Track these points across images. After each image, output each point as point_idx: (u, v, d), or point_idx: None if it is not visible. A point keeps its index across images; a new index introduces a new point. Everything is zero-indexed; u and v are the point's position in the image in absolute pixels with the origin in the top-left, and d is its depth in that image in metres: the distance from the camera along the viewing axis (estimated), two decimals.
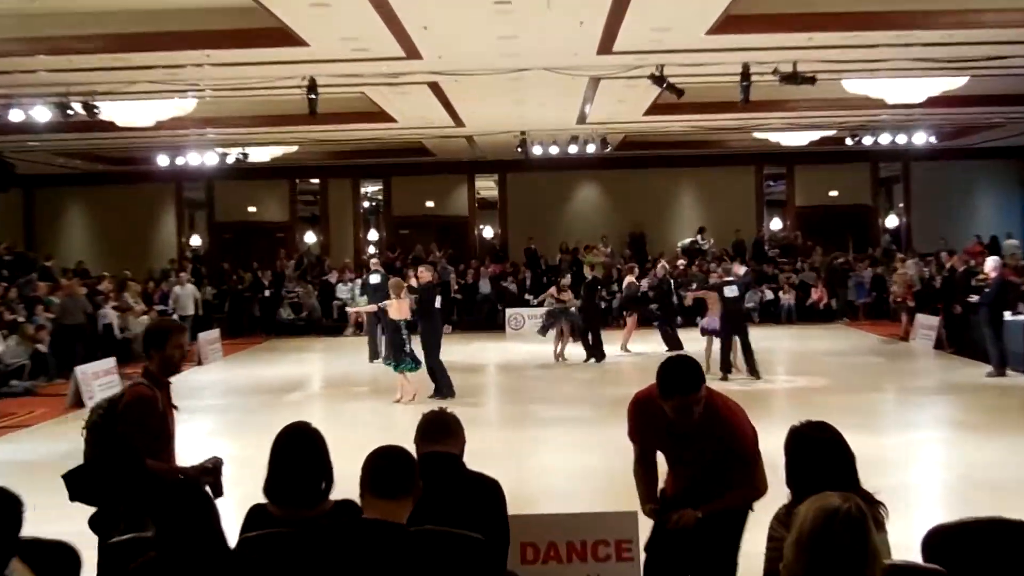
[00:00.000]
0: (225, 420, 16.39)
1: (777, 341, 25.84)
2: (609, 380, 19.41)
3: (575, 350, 22.26)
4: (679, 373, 5.19)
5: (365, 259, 33.57)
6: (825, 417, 4.75)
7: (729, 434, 5.32)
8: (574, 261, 31.91)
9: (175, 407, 6.30)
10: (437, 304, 17.58)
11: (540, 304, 24.75)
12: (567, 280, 23.64)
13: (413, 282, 17.91)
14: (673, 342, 22.36)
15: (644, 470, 5.62)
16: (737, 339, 18.90)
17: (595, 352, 21.93)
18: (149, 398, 6.00)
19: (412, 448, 4.75)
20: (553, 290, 23.28)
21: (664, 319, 23.51)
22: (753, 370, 18.67)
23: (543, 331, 22.92)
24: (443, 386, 17.09)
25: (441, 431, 5.05)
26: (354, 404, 17.38)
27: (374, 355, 22.54)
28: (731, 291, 18.82)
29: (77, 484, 5.52)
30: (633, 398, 5.59)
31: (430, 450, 4.95)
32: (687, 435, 5.31)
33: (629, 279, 24.38)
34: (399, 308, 16.96)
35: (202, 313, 29.13)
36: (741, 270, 20.05)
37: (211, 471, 5.96)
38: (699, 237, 34.22)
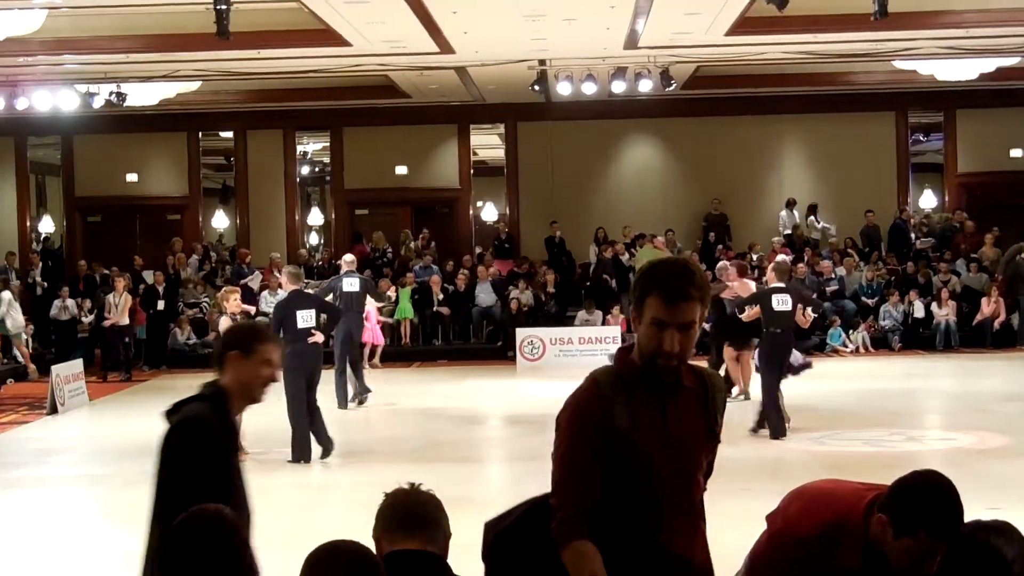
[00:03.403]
0: (90, 500, 16.31)
1: (928, 378, 25.75)
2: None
3: None
4: (953, 501, 5.02)
5: (302, 255, 33.64)
6: (1005, 496, 4.73)
7: None
8: (613, 260, 31.94)
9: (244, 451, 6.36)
10: (302, 322, 17.72)
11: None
12: None
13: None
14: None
15: None
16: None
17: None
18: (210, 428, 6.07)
19: (371, 544, 4.71)
20: None
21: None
22: (762, 425, 18.51)
23: None
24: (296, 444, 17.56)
25: (415, 520, 5.04)
26: (283, 475, 17.37)
27: (343, 399, 22.68)
28: (783, 302, 18.54)
29: None
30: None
31: (399, 547, 4.93)
32: None
33: (734, 283, 23.79)
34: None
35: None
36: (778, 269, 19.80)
37: None
38: (811, 220, 34.14)
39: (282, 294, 19.64)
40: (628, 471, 4.98)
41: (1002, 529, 4.55)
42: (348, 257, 24.92)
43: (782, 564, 5.20)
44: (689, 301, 4.97)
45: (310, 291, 22.22)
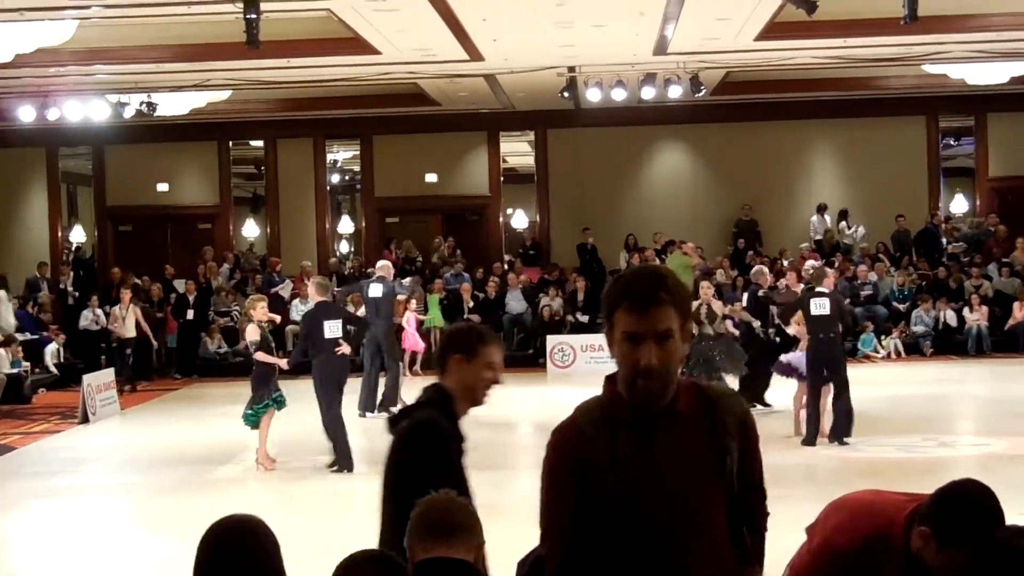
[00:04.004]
0: (123, 508, 16.36)
1: (960, 383, 25.64)
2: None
3: None
4: (997, 513, 4.99)
5: (333, 264, 33.70)
6: None
7: None
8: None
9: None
10: (329, 332, 17.77)
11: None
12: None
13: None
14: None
15: None
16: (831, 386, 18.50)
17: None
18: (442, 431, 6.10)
19: (404, 552, 4.72)
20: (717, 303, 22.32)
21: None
22: (844, 433, 18.36)
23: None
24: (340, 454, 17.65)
25: (448, 527, 5.02)
26: (316, 483, 17.38)
27: (370, 404, 22.73)
28: (821, 306, 18.45)
29: None
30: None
31: (431, 556, 4.92)
32: None
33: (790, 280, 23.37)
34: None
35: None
36: (830, 277, 19.65)
37: None
38: (843, 225, 34.06)
39: (309, 304, 19.67)
40: (614, 517, 4.51)
41: None
42: (381, 263, 24.96)
43: None
44: (661, 306, 4.44)
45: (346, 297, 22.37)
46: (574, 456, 4.57)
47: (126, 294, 29.38)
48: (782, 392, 20.85)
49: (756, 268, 24.10)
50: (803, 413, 18.65)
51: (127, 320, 28.88)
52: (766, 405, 21.38)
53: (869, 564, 4.99)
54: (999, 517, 4.71)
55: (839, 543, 5.13)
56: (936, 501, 4.81)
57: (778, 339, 22.39)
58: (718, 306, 21.54)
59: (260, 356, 17.78)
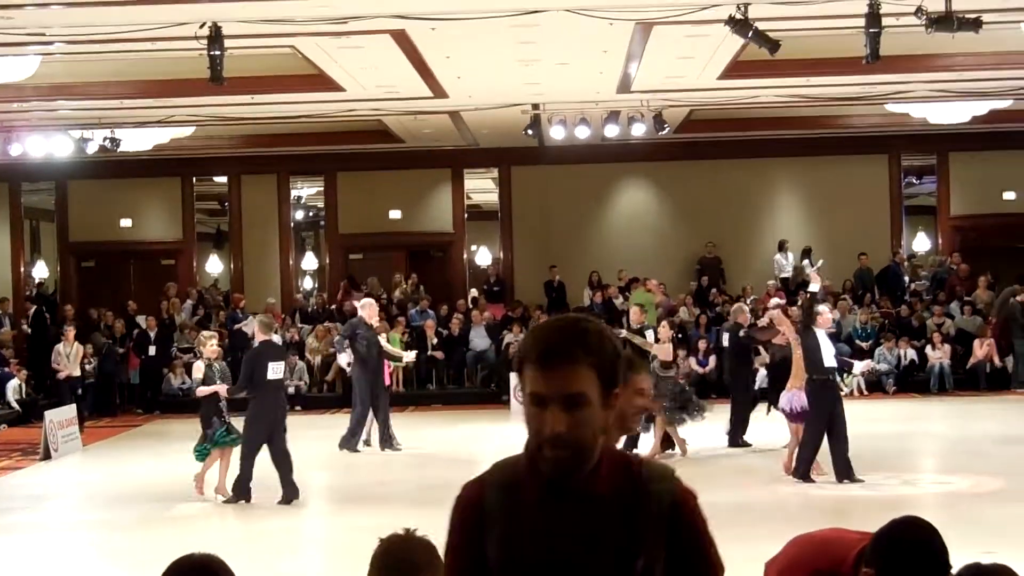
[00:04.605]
0: (84, 544, 16.27)
1: (922, 421, 25.69)
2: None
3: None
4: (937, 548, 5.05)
5: (296, 300, 33.67)
6: (1000, 540, 4.73)
7: None
8: (605, 305, 31.88)
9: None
10: (271, 373, 17.72)
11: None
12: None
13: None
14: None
15: None
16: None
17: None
18: None
19: None
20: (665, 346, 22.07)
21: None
22: (848, 470, 18.35)
23: (681, 418, 21.91)
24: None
25: (410, 565, 5.01)
26: (276, 520, 17.33)
27: (386, 438, 22.89)
28: (825, 347, 18.58)
29: None
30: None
31: None
32: None
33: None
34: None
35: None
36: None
37: None
38: (805, 264, 34.19)
39: (254, 344, 19.56)
40: None
41: (1000, 572, 4.54)
42: (365, 301, 24.85)
43: None
44: (574, 364, 3.73)
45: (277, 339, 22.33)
46: (474, 520, 3.95)
47: (70, 331, 29.40)
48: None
49: (736, 306, 24.08)
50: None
51: (71, 357, 28.84)
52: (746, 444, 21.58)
53: None
54: (940, 553, 4.70)
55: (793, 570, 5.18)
56: (877, 541, 4.79)
57: (768, 379, 22.54)
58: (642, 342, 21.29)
59: (201, 391, 17.80)
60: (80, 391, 28.73)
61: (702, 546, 3.88)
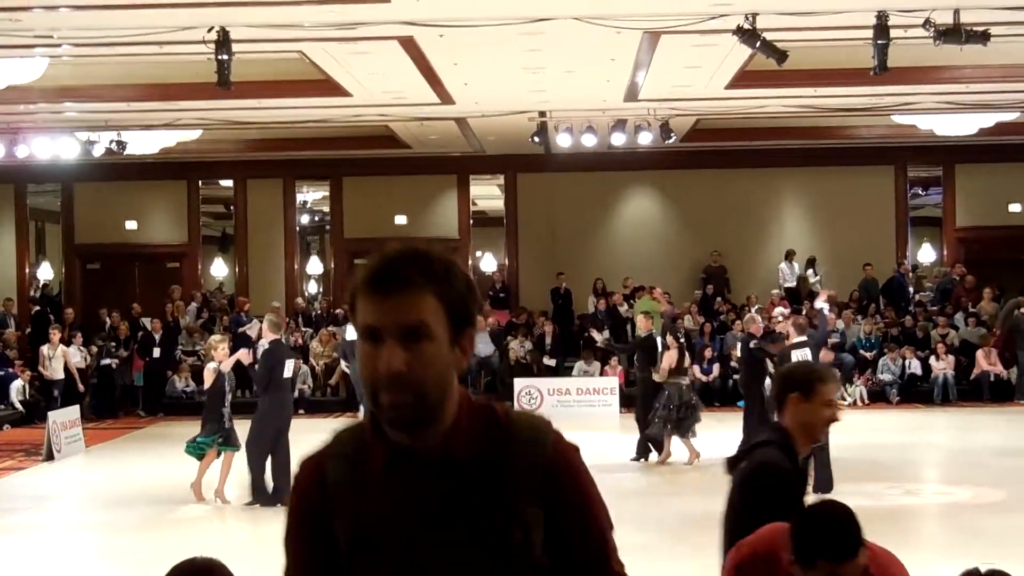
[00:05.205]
0: (87, 546, 16.30)
1: (925, 432, 25.69)
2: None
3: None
4: (842, 518, 5.14)
5: (300, 304, 33.68)
6: (1001, 551, 4.77)
7: None
8: (610, 312, 31.85)
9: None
10: (286, 372, 17.80)
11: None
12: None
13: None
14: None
15: None
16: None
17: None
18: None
19: None
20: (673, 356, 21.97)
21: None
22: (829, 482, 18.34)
23: (683, 430, 21.88)
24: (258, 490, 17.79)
25: None
26: (279, 524, 17.28)
27: None
28: (803, 356, 18.50)
29: None
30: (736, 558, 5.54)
31: None
32: None
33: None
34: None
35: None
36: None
37: None
38: (810, 273, 34.16)
39: (264, 343, 19.40)
40: None
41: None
42: None
43: None
44: (413, 289, 3.12)
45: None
46: (315, 498, 3.30)
47: (55, 334, 29.41)
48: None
49: (748, 316, 23.49)
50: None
51: (54, 362, 28.85)
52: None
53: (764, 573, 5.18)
54: (847, 524, 4.91)
55: (740, 553, 5.41)
56: (791, 530, 4.99)
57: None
58: None
59: (224, 364, 17.94)
60: (56, 393, 28.75)
61: (587, 506, 3.27)
